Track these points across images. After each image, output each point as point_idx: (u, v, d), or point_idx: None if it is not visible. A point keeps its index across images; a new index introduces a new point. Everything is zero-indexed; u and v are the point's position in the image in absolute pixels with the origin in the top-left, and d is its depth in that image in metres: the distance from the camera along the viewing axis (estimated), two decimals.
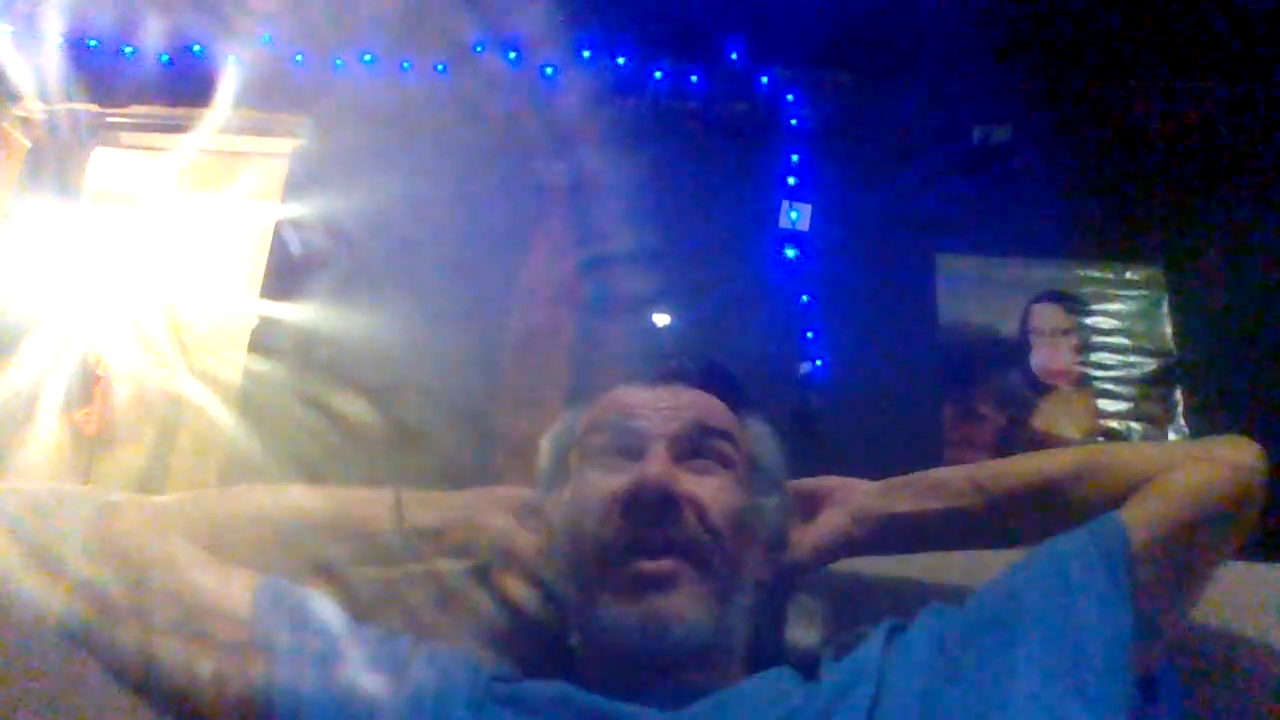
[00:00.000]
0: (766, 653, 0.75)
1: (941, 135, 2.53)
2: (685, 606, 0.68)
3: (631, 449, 0.74)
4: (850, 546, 0.80)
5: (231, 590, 0.72)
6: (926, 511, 0.77)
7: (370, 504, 0.81)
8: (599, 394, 0.82)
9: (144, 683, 0.71)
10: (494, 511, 0.81)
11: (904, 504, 0.78)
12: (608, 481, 0.73)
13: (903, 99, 2.56)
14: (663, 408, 0.76)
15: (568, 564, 0.74)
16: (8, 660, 0.75)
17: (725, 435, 0.77)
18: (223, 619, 0.71)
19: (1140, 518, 0.69)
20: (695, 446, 0.75)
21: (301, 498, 0.82)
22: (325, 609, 0.74)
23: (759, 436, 0.82)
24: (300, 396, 2.27)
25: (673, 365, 0.81)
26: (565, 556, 0.74)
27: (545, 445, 0.84)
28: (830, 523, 0.79)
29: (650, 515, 0.70)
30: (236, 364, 2.37)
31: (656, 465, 0.71)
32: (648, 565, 0.69)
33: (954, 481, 0.78)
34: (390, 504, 0.80)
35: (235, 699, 0.68)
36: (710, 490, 0.73)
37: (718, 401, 0.79)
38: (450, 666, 0.72)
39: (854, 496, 0.80)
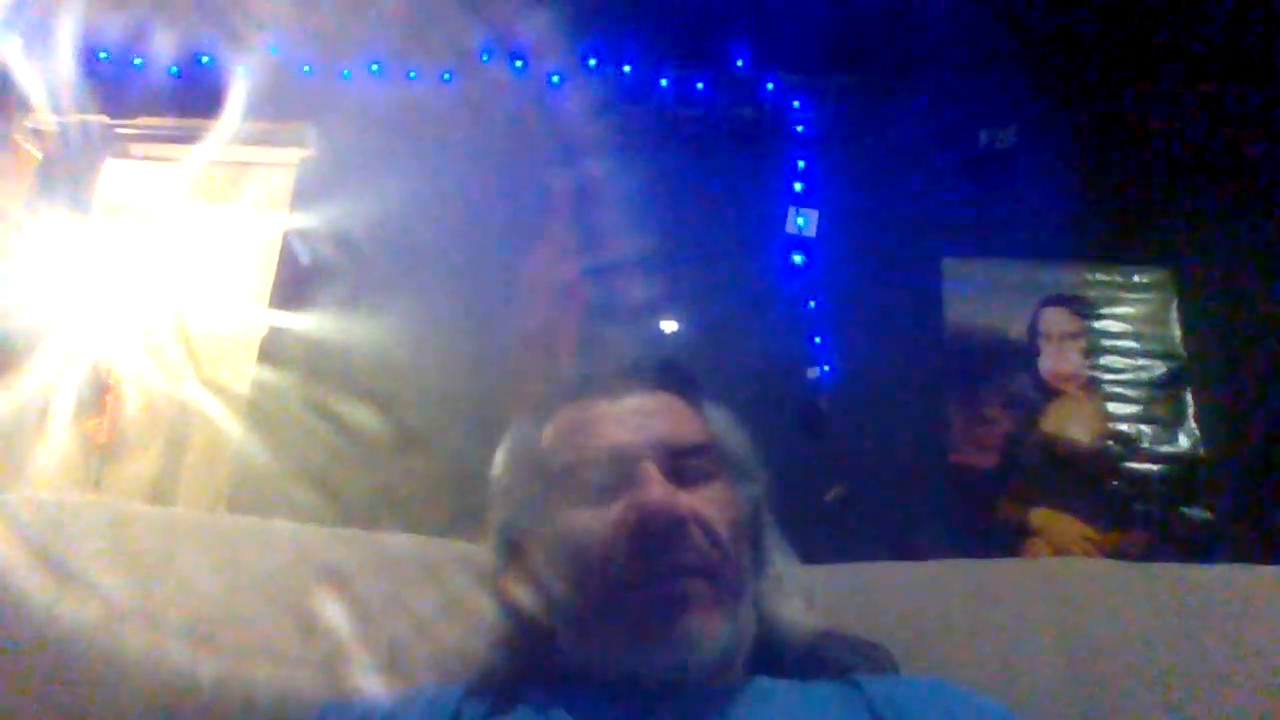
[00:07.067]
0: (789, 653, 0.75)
1: (947, 139, 2.53)
2: (706, 623, 0.66)
3: (619, 477, 0.70)
4: None
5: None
6: None
7: None
8: (548, 408, 0.78)
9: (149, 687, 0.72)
10: None
11: None
12: (603, 514, 0.69)
13: (908, 103, 2.55)
14: (633, 426, 0.73)
15: (565, 602, 0.70)
16: (15, 664, 0.75)
17: (702, 449, 0.74)
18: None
19: None
20: (678, 463, 0.72)
21: None
22: None
23: (725, 428, 0.80)
24: (309, 404, 2.28)
25: (627, 371, 0.78)
26: (561, 597, 0.70)
27: (507, 469, 0.81)
28: None
29: (659, 541, 0.67)
30: (246, 373, 2.38)
31: (655, 489, 0.68)
32: (665, 589, 0.66)
33: None
34: None
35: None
36: (709, 504, 0.70)
37: (681, 404, 0.77)
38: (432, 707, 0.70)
39: None
